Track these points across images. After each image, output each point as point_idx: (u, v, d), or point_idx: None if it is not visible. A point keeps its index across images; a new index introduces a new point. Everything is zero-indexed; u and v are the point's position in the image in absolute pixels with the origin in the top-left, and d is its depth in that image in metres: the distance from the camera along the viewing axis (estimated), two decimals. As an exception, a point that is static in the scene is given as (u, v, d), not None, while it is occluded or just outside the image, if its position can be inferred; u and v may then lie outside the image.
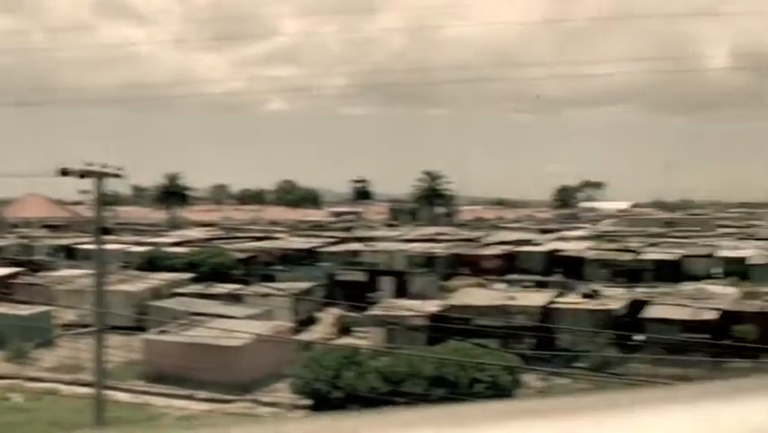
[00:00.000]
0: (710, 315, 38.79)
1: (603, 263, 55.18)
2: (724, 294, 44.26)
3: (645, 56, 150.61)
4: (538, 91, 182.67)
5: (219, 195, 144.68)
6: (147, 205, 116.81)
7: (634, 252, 58.48)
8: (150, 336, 35.02)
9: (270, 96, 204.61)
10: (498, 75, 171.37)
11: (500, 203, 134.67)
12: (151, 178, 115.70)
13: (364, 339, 38.24)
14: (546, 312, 39.68)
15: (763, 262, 53.36)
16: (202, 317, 35.47)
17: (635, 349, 35.99)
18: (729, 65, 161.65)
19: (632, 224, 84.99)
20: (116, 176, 22.85)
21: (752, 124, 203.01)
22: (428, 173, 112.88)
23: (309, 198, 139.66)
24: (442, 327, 34.11)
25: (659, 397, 0.98)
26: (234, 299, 42.29)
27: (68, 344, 33.62)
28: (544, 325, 37.86)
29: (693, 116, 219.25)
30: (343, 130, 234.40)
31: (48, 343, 36.60)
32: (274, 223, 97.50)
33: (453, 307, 39.72)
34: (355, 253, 60.28)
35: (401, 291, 46.45)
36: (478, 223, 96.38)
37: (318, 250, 61.29)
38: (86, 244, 43.63)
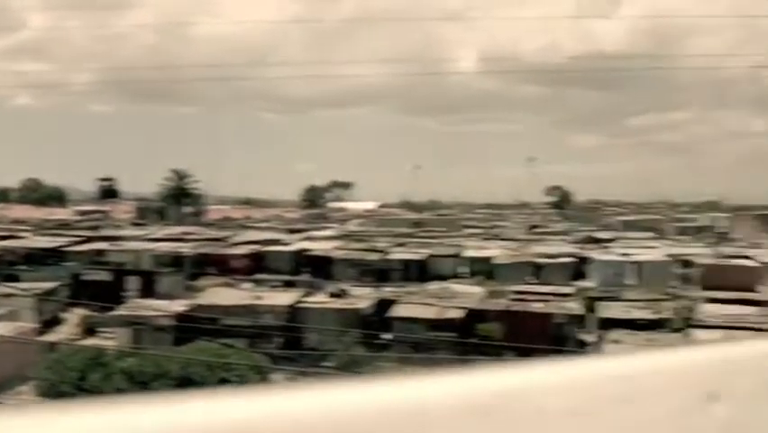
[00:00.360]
0: (456, 313, 41.03)
1: (351, 263, 56.94)
2: (470, 293, 46.61)
3: (396, 58, 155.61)
4: (289, 91, 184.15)
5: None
6: None
7: (381, 251, 60.47)
8: None
9: (17, 91, 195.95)
10: (249, 74, 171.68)
11: (248, 202, 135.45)
12: None
13: (110, 340, 38.18)
14: (294, 311, 40.94)
15: (507, 261, 56.50)
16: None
17: (383, 348, 37.53)
18: (478, 69, 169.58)
19: (380, 224, 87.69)
20: None
21: (498, 127, 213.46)
22: (176, 172, 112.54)
23: (55, 197, 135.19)
24: (189, 327, 34.68)
25: None
26: (-24, 299, 40.97)
27: None
28: (292, 324, 39.00)
29: (442, 119, 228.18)
30: (91, 127, 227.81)
31: None
32: (18, 221, 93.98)
33: (201, 306, 40.36)
34: (101, 252, 59.67)
35: (148, 291, 46.48)
36: (226, 222, 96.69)
37: (64, 249, 60.08)
38: None
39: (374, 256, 58.92)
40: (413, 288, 49.13)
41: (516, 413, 0.84)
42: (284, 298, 42.85)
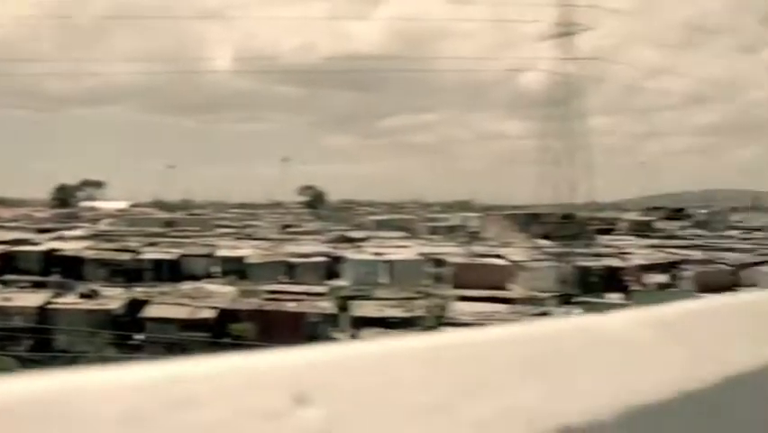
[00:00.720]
0: (209, 313, 41.58)
1: (102, 263, 56.28)
2: (222, 293, 47.17)
3: (151, 56, 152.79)
4: (42, 88, 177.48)
5: None
6: None
7: (133, 251, 60.05)
8: None
9: None
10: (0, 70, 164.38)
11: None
12: None
13: None
14: (43, 313, 40.42)
15: (260, 261, 57.25)
16: None
17: (136, 349, 37.62)
18: (235, 68, 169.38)
19: (131, 223, 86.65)
20: None
21: (254, 127, 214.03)
22: None
23: None
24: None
25: None
26: None
27: None
28: (42, 326, 38.50)
29: (197, 118, 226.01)
30: None
31: None
32: None
33: (-55, 309, 39.28)
34: None
35: None
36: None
37: None
38: None
39: (126, 256, 58.50)
40: (165, 288, 49.30)
41: (62, 419, 0.81)
42: (33, 299, 42.27)
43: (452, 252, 62.87)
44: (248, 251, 61.56)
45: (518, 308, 44.98)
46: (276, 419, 0.90)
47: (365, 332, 38.13)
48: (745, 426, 1.52)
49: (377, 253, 59.52)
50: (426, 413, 1.03)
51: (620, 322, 1.51)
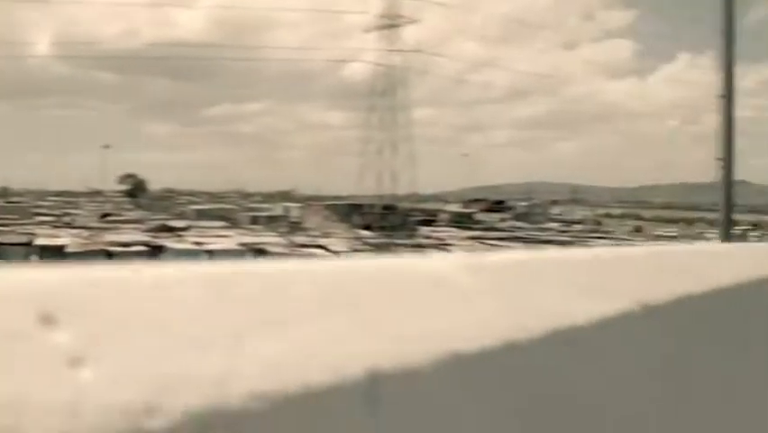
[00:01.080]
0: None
1: None
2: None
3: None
4: None
5: None
6: None
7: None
8: None
9: None
10: None
11: None
12: None
13: None
14: None
15: (79, 249, 57.44)
16: None
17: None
18: (54, 53, 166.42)
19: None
20: None
21: (73, 113, 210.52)
22: None
23: None
24: None
25: None
26: None
27: None
28: None
29: (14, 103, 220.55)
30: None
31: None
32: None
33: None
34: None
35: None
36: None
37: None
38: None
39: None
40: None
41: None
42: None
43: (273, 241, 64.08)
44: (67, 239, 61.39)
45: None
46: (18, 340, 0.80)
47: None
48: (566, 380, 1.47)
49: (197, 243, 60.24)
50: (203, 345, 0.90)
51: (440, 265, 1.47)
